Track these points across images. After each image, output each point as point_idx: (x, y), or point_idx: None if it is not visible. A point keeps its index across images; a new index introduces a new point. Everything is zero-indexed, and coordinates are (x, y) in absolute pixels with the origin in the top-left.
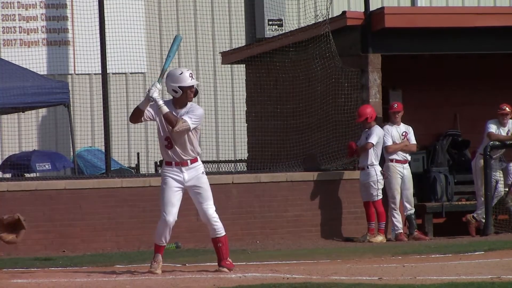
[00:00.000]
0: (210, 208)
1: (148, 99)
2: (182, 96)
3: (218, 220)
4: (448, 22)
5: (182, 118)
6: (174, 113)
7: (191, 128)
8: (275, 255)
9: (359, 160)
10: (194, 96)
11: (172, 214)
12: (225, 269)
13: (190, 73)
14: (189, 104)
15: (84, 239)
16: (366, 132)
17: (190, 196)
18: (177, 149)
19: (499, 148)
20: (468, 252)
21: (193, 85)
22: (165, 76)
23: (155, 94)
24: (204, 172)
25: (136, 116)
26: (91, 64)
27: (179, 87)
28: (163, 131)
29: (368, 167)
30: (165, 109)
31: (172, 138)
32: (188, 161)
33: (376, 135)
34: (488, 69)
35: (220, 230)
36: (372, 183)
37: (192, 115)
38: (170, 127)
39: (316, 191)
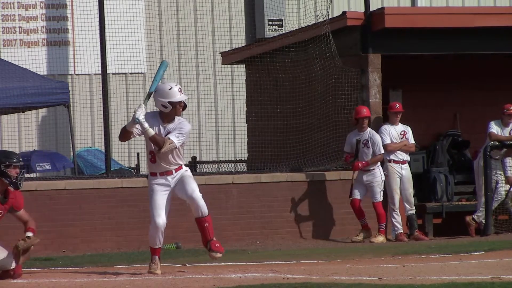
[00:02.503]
0: (195, 189)
1: (134, 121)
2: (171, 111)
3: (203, 200)
4: (448, 22)
5: (169, 138)
6: (161, 126)
7: (177, 146)
8: (275, 255)
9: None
10: (183, 110)
11: (161, 216)
12: (218, 254)
13: (179, 88)
14: (177, 119)
15: (84, 239)
16: (360, 135)
17: (177, 194)
18: (161, 163)
19: (500, 148)
20: (468, 252)
21: (182, 100)
22: (150, 98)
23: (141, 117)
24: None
25: (124, 136)
26: (91, 64)
27: (169, 102)
28: (148, 145)
29: (374, 168)
30: (151, 132)
31: (156, 155)
32: (173, 170)
33: (380, 139)
34: (488, 69)
35: (206, 209)
36: (378, 184)
37: (179, 133)
38: (157, 148)
39: (316, 191)
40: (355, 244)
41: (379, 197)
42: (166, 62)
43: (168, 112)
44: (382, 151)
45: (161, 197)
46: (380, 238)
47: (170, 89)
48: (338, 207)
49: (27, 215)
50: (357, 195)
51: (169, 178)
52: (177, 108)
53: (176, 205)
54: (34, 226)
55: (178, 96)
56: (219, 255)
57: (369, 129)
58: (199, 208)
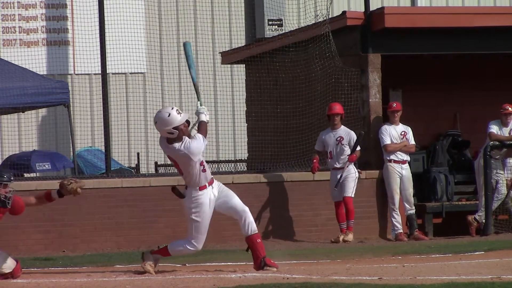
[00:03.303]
0: (241, 202)
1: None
2: (179, 135)
3: None
4: (448, 22)
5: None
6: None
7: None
8: (275, 255)
9: (335, 161)
10: (189, 127)
11: (202, 243)
12: (274, 269)
13: (177, 110)
14: (184, 138)
15: (84, 239)
16: (336, 132)
17: (220, 208)
18: (207, 170)
19: (499, 148)
20: (468, 252)
21: (184, 120)
22: (200, 90)
23: (207, 117)
24: None
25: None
26: (91, 64)
27: (173, 128)
28: (197, 159)
29: (348, 166)
30: (207, 118)
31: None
32: (212, 178)
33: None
34: (488, 69)
35: (254, 224)
36: (352, 179)
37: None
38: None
39: (316, 191)
40: (355, 244)
41: (351, 192)
42: (188, 43)
43: (177, 137)
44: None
45: (208, 219)
46: (351, 236)
47: (169, 115)
48: None
49: (32, 199)
50: (337, 197)
51: (214, 186)
52: (183, 129)
53: (176, 205)
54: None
55: (179, 119)
56: (274, 269)
57: (343, 126)
58: (251, 224)
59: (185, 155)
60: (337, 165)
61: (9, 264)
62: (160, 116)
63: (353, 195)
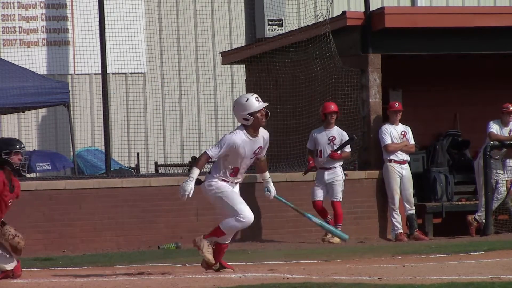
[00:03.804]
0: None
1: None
2: (254, 122)
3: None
4: (448, 22)
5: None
6: (249, 137)
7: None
8: (275, 255)
9: (324, 160)
10: (266, 118)
11: (248, 212)
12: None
13: (256, 97)
14: (261, 133)
15: (84, 239)
16: (329, 131)
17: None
18: (238, 176)
19: (499, 148)
20: (468, 252)
21: (261, 109)
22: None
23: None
24: None
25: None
26: (91, 64)
27: (249, 114)
28: (232, 161)
29: (336, 166)
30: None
31: (240, 170)
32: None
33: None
34: (488, 69)
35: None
36: (339, 183)
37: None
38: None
39: None
40: (355, 244)
41: (340, 196)
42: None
43: (251, 124)
44: (349, 149)
45: (233, 191)
46: (337, 239)
47: (246, 100)
48: None
49: None
50: (319, 196)
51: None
52: (259, 118)
53: (176, 205)
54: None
55: (256, 106)
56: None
57: (336, 126)
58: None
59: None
60: (326, 165)
61: (11, 263)
62: (239, 100)
63: (341, 199)
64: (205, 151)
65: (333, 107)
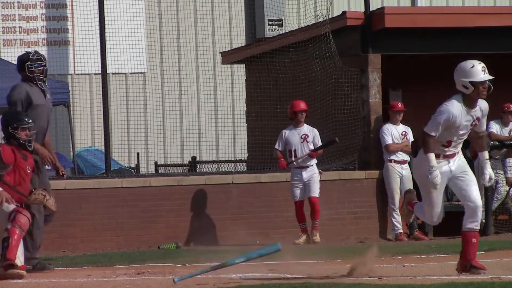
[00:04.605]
0: (478, 194)
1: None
2: (473, 93)
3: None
4: (448, 22)
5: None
6: (466, 108)
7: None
8: (275, 255)
9: (296, 159)
10: (488, 92)
11: (436, 216)
12: (481, 271)
13: (483, 67)
14: (481, 103)
15: (84, 239)
16: (300, 130)
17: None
18: (451, 148)
19: (500, 148)
20: None
21: (485, 81)
22: None
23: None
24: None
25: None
26: (91, 64)
27: (470, 82)
28: (453, 135)
29: (312, 164)
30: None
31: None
32: (456, 153)
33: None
34: (488, 69)
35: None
36: (317, 179)
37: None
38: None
39: None
40: (355, 244)
41: (318, 192)
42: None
43: (469, 94)
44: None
45: (441, 193)
46: (318, 236)
47: (472, 67)
48: (338, 206)
49: None
50: (301, 196)
51: (451, 161)
52: (480, 89)
53: (176, 205)
54: None
55: (481, 76)
56: (480, 271)
57: (305, 124)
58: (471, 220)
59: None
60: (304, 164)
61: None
62: (463, 65)
63: (318, 195)
64: (427, 133)
65: (302, 105)
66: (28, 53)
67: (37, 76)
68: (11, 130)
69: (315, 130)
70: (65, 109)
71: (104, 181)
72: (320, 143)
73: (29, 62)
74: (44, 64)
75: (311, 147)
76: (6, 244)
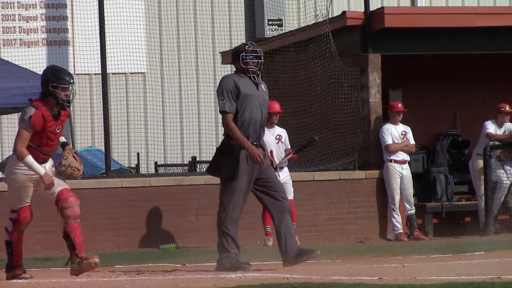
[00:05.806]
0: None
1: None
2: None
3: None
4: (448, 22)
5: None
6: None
7: None
8: (275, 255)
9: (283, 160)
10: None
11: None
12: None
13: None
14: None
15: (84, 239)
16: (273, 130)
17: None
18: None
19: (498, 147)
20: (468, 252)
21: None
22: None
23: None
24: None
25: None
26: (91, 64)
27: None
28: None
29: (286, 166)
30: None
31: None
32: None
33: None
34: (488, 69)
35: None
36: (291, 182)
37: None
38: None
39: (316, 191)
40: (355, 244)
41: (293, 195)
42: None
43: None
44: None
45: None
46: (296, 237)
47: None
48: (337, 206)
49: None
50: None
51: None
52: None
53: (176, 205)
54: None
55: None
56: None
57: (276, 125)
58: None
59: None
60: (283, 165)
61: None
62: None
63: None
64: None
65: (277, 107)
66: (244, 44)
67: (251, 68)
68: (51, 88)
69: (285, 131)
70: None
71: (104, 181)
72: (289, 144)
73: (244, 53)
74: (259, 56)
75: (282, 146)
76: (10, 250)
